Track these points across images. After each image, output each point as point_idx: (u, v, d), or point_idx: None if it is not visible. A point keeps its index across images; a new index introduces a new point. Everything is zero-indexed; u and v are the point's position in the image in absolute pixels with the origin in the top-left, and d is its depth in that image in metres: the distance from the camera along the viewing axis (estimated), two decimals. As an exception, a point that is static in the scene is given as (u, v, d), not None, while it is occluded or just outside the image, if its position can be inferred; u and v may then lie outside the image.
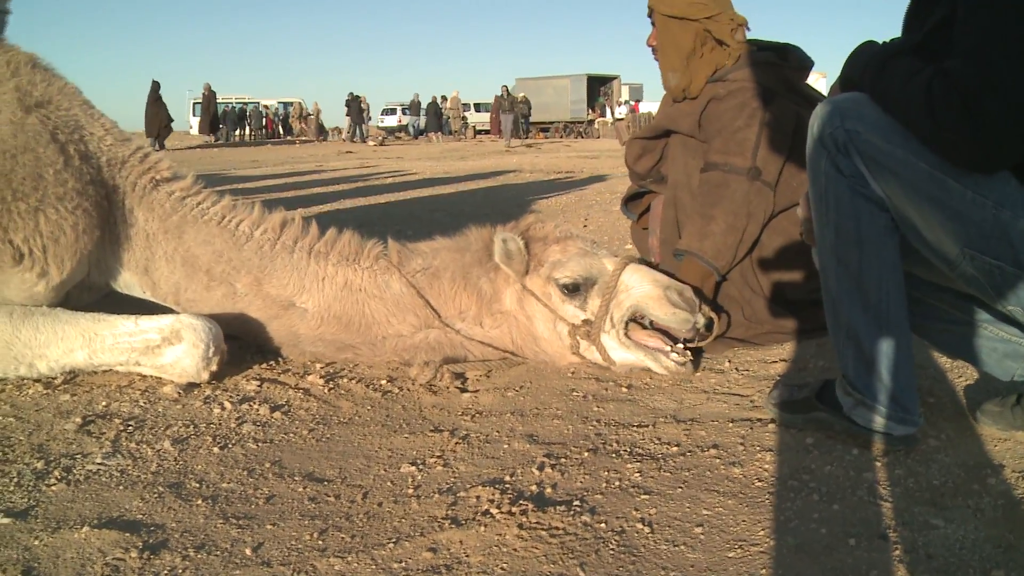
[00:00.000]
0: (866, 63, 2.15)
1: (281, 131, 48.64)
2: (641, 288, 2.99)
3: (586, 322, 3.01)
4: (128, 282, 3.19)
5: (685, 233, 3.40)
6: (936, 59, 1.94)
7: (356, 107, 40.06)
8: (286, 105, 51.72)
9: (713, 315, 3.06)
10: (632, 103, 44.82)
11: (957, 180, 1.98)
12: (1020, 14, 1.82)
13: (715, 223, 3.28)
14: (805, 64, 3.61)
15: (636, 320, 3.05)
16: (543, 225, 3.20)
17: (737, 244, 3.29)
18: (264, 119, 48.22)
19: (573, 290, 3.02)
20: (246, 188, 11.69)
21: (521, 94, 45.14)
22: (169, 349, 2.89)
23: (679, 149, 3.66)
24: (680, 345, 3.05)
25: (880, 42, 2.27)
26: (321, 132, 43.04)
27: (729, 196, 3.28)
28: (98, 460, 2.34)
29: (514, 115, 33.62)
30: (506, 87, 34.93)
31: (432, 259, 3.15)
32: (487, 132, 46.12)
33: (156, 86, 27.67)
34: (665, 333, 3.08)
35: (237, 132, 44.64)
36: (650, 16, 3.58)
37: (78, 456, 2.38)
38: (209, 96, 35.72)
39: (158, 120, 27.64)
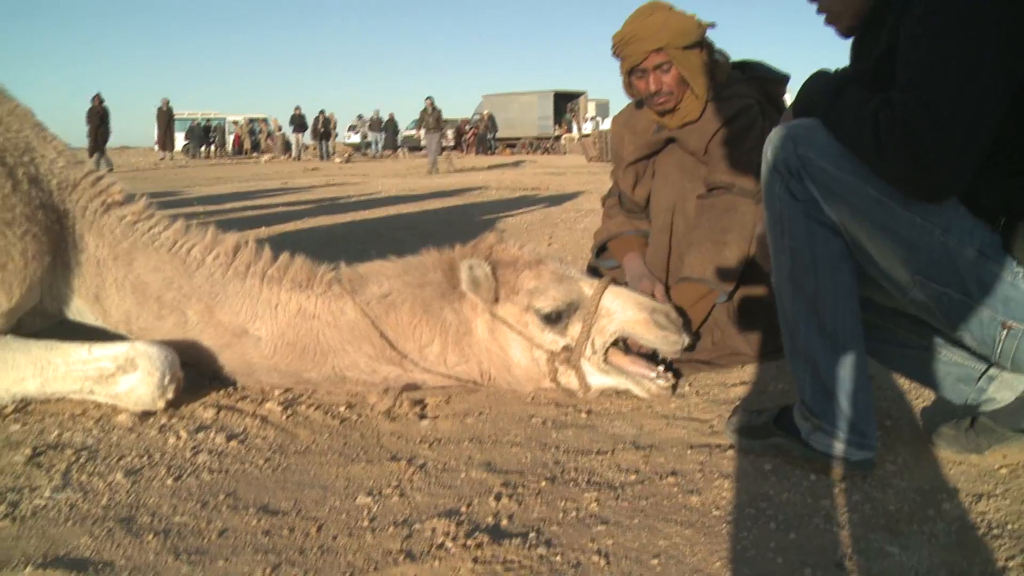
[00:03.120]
0: (819, 91, 2.17)
1: (248, 147, 48.30)
2: (625, 313, 2.96)
3: (566, 348, 2.96)
4: (80, 309, 3.13)
5: (694, 260, 3.33)
6: (885, 89, 1.96)
7: (300, 123, 39.75)
8: (252, 121, 51.36)
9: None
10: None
11: (905, 207, 2.00)
12: (958, 45, 1.84)
13: (728, 249, 3.26)
14: (782, 77, 3.63)
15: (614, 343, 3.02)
16: (506, 247, 3.13)
17: (743, 268, 3.29)
18: (233, 135, 47.95)
19: (555, 319, 2.96)
20: (208, 209, 11.61)
21: (486, 111, 45.29)
22: (124, 377, 2.84)
23: (675, 170, 3.60)
24: (661, 368, 3.04)
25: (833, 71, 2.29)
26: (287, 149, 42.78)
27: (739, 220, 3.26)
28: (47, 494, 2.29)
29: (440, 133, 27.11)
30: (431, 100, 26.96)
31: (388, 287, 3.06)
32: (452, 147, 46.20)
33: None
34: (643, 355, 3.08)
35: (202, 148, 44.37)
36: (639, 68, 3.40)
37: (26, 490, 2.32)
38: (166, 111, 35.37)
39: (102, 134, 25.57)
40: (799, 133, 2.14)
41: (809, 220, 2.15)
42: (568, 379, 3.00)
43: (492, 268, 2.99)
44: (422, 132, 26.85)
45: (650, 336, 2.95)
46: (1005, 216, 2.00)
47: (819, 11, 2.35)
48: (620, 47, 3.41)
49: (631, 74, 3.47)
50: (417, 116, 49.65)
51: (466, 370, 3.08)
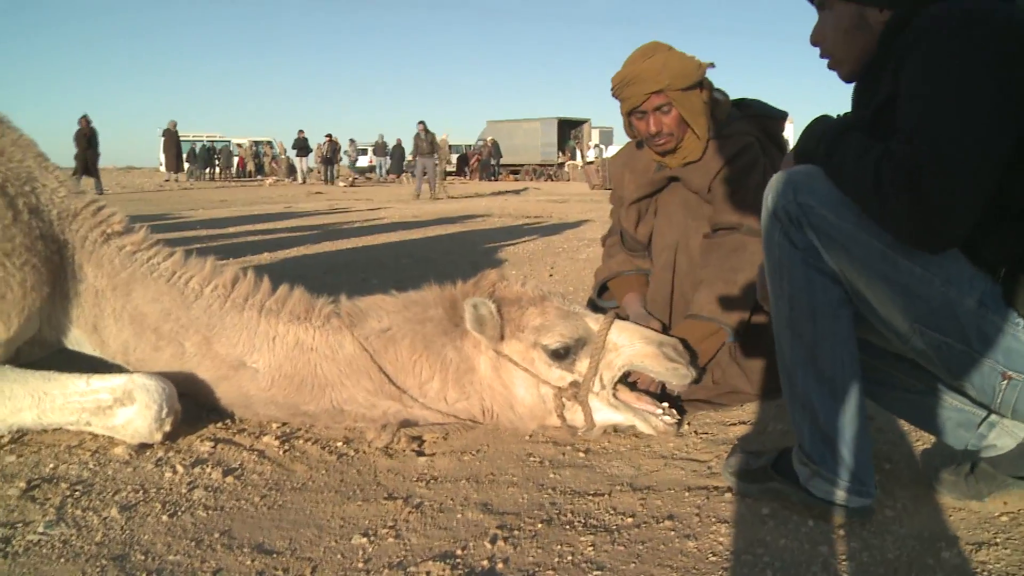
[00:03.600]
0: (820, 137, 2.17)
1: (252, 169, 48.54)
2: (632, 347, 2.96)
3: (573, 384, 2.95)
4: (78, 339, 3.13)
5: (703, 298, 3.32)
6: (886, 137, 1.96)
7: (303, 147, 39.18)
8: (257, 143, 51.66)
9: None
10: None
11: (906, 256, 2.00)
12: (959, 97, 1.85)
13: (738, 288, 3.25)
14: (780, 114, 3.65)
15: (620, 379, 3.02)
16: (509, 284, 3.11)
17: (751, 307, 3.27)
18: (236, 158, 48.18)
19: (563, 355, 2.95)
20: (211, 234, 11.64)
21: (490, 137, 45.47)
22: (121, 410, 2.83)
23: (678, 209, 3.59)
24: (665, 404, 3.04)
25: (834, 116, 2.30)
26: (291, 172, 42.92)
27: (749, 260, 3.25)
28: (40, 530, 2.27)
29: (435, 159, 25.43)
30: (423, 124, 25.72)
31: (388, 322, 3.05)
32: (454, 173, 46.53)
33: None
34: (648, 392, 3.09)
35: (207, 171, 44.56)
36: (639, 110, 3.41)
37: (19, 525, 2.31)
38: (173, 132, 35.61)
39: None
40: (800, 180, 2.14)
41: (808, 268, 2.15)
42: (574, 415, 2.97)
43: (497, 306, 2.97)
44: (418, 158, 25.76)
45: (660, 368, 2.95)
46: (1005, 267, 2.00)
47: (822, 55, 2.37)
48: (620, 89, 3.41)
49: (631, 115, 3.46)
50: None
51: (467, 407, 3.06)
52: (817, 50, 2.38)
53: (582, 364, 2.96)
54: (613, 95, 3.46)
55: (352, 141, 50.76)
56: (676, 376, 2.96)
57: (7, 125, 3.20)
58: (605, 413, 2.97)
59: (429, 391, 3.02)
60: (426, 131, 25.50)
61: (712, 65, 3.39)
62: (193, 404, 3.15)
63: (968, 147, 1.83)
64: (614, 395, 2.98)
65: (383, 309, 3.10)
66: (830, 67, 2.36)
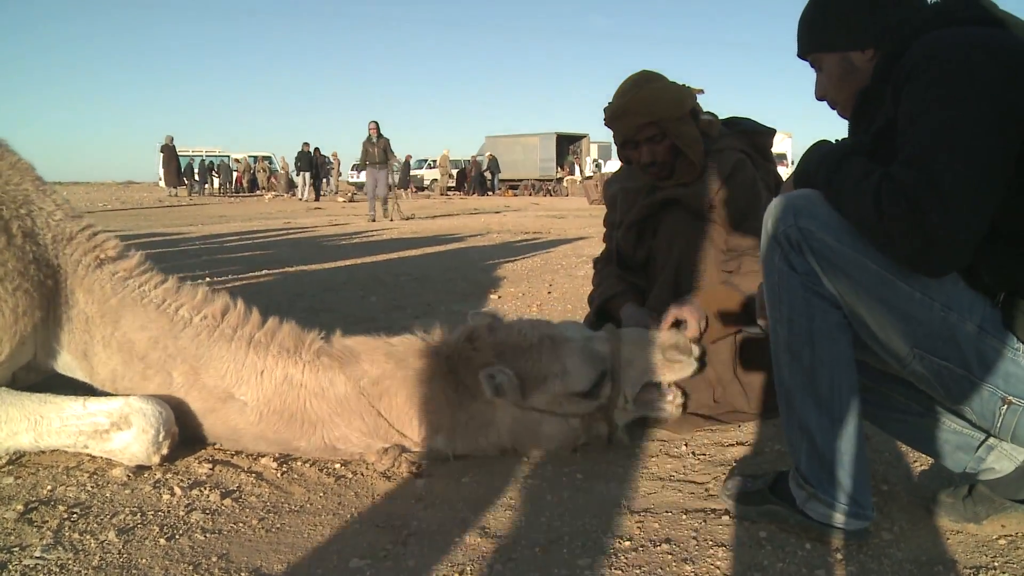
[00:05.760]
0: (820, 161, 2.19)
1: (247, 186, 48.65)
2: (642, 361, 3.03)
3: (600, 407, 2.98)
4: (69, 365, 3.10)
5: (746, 283, 3.35)
6: (886, 161, 1.98)
7: (307, 160, 35.77)
8: (255, 158, 51.82)
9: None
10: None
11: (905, 281, 2.01)
12: (960, 122, 1.87)
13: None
14: (768, 129, 3.68)
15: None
16: (507, 328, 3.04)
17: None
18: (234, 173, 48.34)
19: (594, 392, 2.96)
20: (210, 246, 11.65)
21: (488, 152, 45.61)
22: (118, 434, 2.83)
23: (679, 227, 3.58)
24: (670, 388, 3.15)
25: (834, 141, 2.32)
26: (291, 187, 42.97)
27: None
28: (37, 554, 2.27)
29: (387, 171, 21.00)
30: (376, 125, 20.81)
31: (381, 373, 2.96)
32: (453, 188, 46.72)
33: None
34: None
35: (206, 185, 44.70)
36: (633, 140, 3.45)
37: (15, 549, 2.30)
38: (171, 148, 35.71)
39: None
40: (800, 204, 2.15)
41: (807, 292, 2.16)
42: (599, 430, 3.03)
43: (513, 371, 2.88)
44: (368, 168, 21.25)
45: (671, 375, 3.08)
46: (1004, 291, 2.01)
47: (830, 106, 2.44)
48: (612, 120, 3.43)
49: (624, 145, 3.49)
50: (430, 157, 49.70)
51: (477, 449, 3.01)
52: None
53: (606, 389, 2.99)
54: (606, 125, 3.49)
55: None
56: (685, 371, 3.10)
57: (5, 148, 3.20)
58: (626, 416, 3.09)
59: (435, 444, 2.97)
60: (379, 135, 20.88)
61: (702, 91, 3.42)
62: (190, 425, 3.13)
63: (969, 171, 1.84)
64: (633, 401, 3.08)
65: (375, 358, 3.00)
66: (838, 114, 2.45)
